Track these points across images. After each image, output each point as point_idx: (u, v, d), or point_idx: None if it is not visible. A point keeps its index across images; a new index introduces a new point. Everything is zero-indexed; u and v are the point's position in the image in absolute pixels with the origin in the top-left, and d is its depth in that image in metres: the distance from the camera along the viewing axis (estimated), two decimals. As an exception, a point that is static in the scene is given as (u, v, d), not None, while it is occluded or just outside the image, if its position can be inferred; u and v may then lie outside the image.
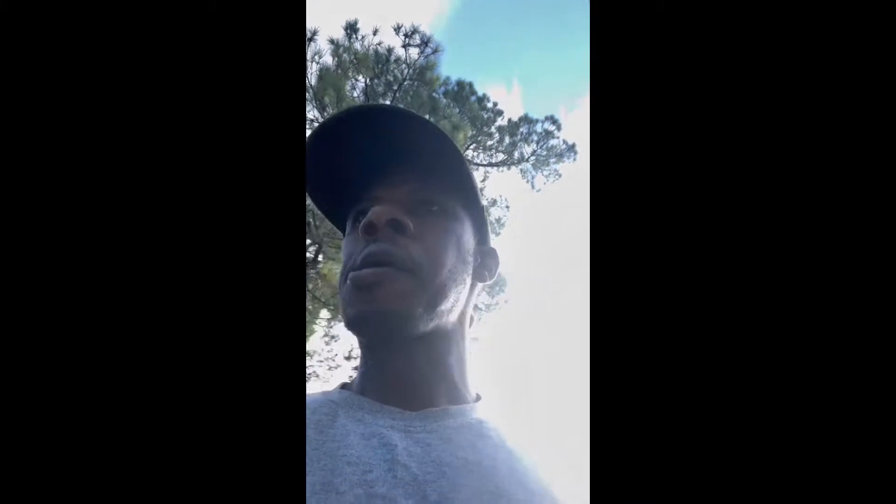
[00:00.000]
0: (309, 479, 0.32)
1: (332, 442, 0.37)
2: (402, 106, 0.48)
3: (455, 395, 0.46)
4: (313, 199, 0.50)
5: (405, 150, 0.46)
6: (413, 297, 0.41)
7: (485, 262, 0.52)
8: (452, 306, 0.45)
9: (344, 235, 0.50)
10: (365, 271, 0.41)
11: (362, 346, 0.47)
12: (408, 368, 0.44)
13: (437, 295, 0.43)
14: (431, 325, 0.43)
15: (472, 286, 0.50)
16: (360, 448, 0.36)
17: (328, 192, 0.49)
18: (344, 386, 0.49)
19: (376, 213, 0.42)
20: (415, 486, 0.34)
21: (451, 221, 0.46)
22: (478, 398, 0.48)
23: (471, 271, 0.49)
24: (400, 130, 0.45)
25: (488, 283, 0.53)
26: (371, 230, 0.42)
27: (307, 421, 0.39)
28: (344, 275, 0.44)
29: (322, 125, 0.45)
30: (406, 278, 0.42)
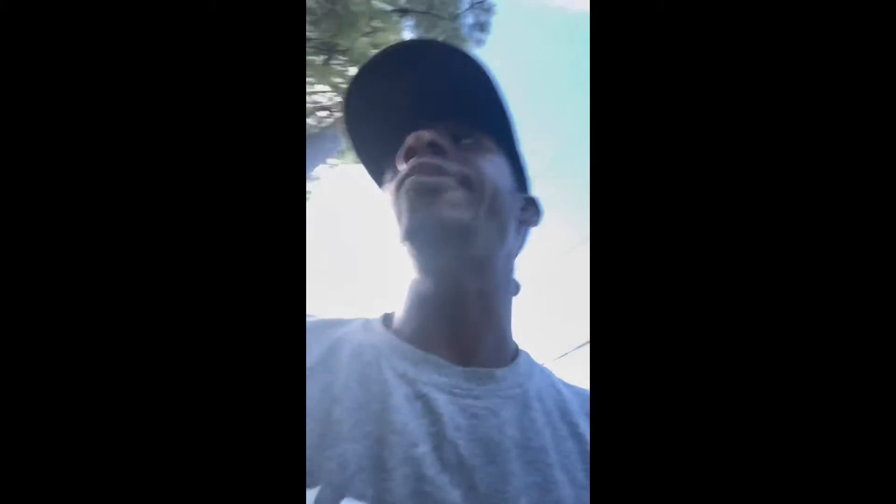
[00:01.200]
0: (352, 447, 0.30)
1: (378, 403, 0.34)
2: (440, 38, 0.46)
3: (501, 348, 0.43)
4: (357, 154, 0.48)
5: (441, 87, 0.44)
6: (471, 207, 0.40)
7: (528, 208, 0.50)
8: (501, 235, 0.43)
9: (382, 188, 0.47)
10: (424, 176, 0.39)
11: (415, 267, 0.43)
12: (458, 309, 0.41)
13: (491, 213, 0.41)
14: (482, 249, 0.41)
15: (518, 231, 0.48)
16: (405, 413, 0.34)
17: (369, 143, 0.47)
18: (386, 318, 0.46)
19: (414, 136, 0.41)
20: (462, 473, 0.31)
21: (490, 153, 0.45)
22: (517, 352, 0.45)
23: (516, 208, 0.47)
24: (436, 65, 0.43)
25: (534, 225, 0.51)
26: (411, 153, 0.41)
27: (347, 361, 0.37)
28: (395, 191, 0.41)
29: (356, 77, 0.43)
30: (463, 190, 0.40)
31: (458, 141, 0.44)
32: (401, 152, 0.41)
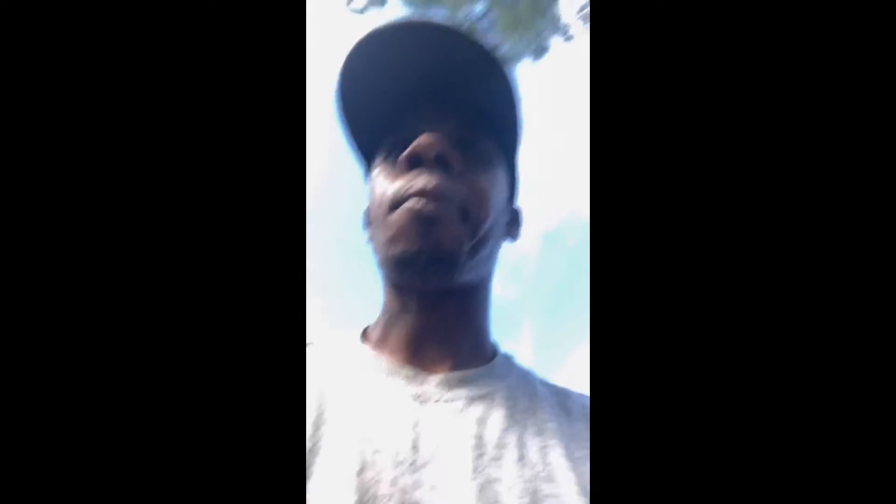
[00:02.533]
0: (346, 470, 0.30)
1: (359, 424, 0.34)
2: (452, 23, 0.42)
3: (477, 352, 0.43)
4: (342, 123, 0.45)
5: (454, 78, 0.41)
6: (463, 244, 0.39)
7: (513, 222, 0.49)
8: (487, 261, 0.43)
9: (368, 167, 0.45)
10: (429, 203, 0.37)
11: (394, 288, 0.42)
12: (435, 322, 0.41)
13: (479, 244, 0.40)
14: (467, 276, 0.40)
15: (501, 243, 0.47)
16: (386, 428, 0.33)
17: (360, 116, 0.44)
18: (364, 333, 0.45)
19: (423, 145, 0.38)
20: (428, 473, 0.31)
21: (491, 167, 0.43)
22: (494, 353, 0.45)
23: (503, 228, 0.46)
24: (448, 53, 0.40)
25: (517, 238, 0.50)
26: (416, 162, 0.38)
27: (326, 385, 0.36)
28: (389, 206, 0.39)
29: (359, 43, 0.40)
30: (459, 222, 0.38)
31: (462, 148, 0.41)
32: (405, 155, 0.39)
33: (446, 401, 0.37)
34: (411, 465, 0.31)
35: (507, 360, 0.44)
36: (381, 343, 0.42)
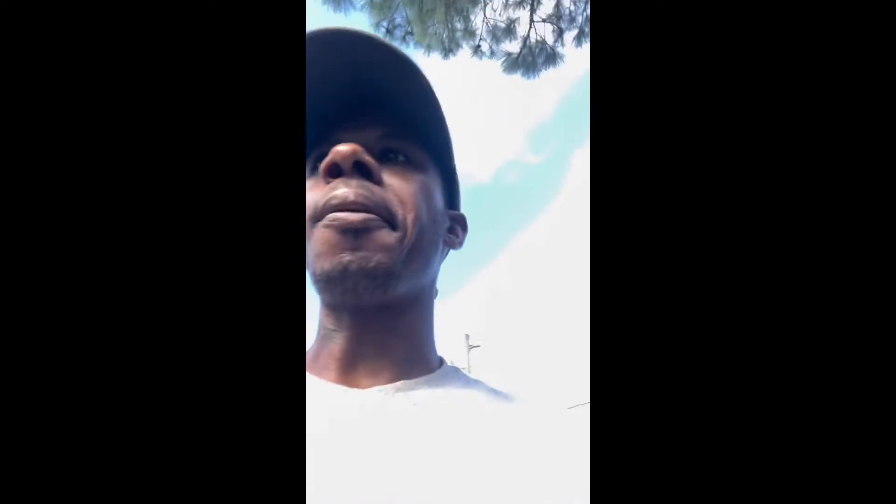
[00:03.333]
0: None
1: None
2: (374, 33, 0.40)
3: (418, 364, 0.41)
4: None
5: (375, 86, 0.39)
6: (395, 252, 0.37)
7: (454, 228, 0.47)
8: (424, 270, 0.41)
9: None
10: (351, 214, 0.35)
11: (326, 307, 0.41)
12: (370, 338, 0.39)
13: (413, 253, 0.38)
14: (403, 288, 0.38)
15: (443, 252, 0.45)
16: (326, 445, 0.32)
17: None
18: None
19: (340, 152, 0.36)
20: (368, 486, 0.30)
21: (420, 174, 0.41)
22: (441, 363, 0.43)
23: (442, 235, 0.44)
24: (370, 62, 0.38)
25: (458, 247, 0.47)
26: (334, 171, 0.37)
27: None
28: (312, 221, 0.38)
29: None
30: (388, 230, 0.37)
31: (386, 155, 0.40)
32: (324, 164, 0.37)
33: (387, 413, 0.35)
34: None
35: (451, 370, 0.43)
36: (312, 363, 0.40)
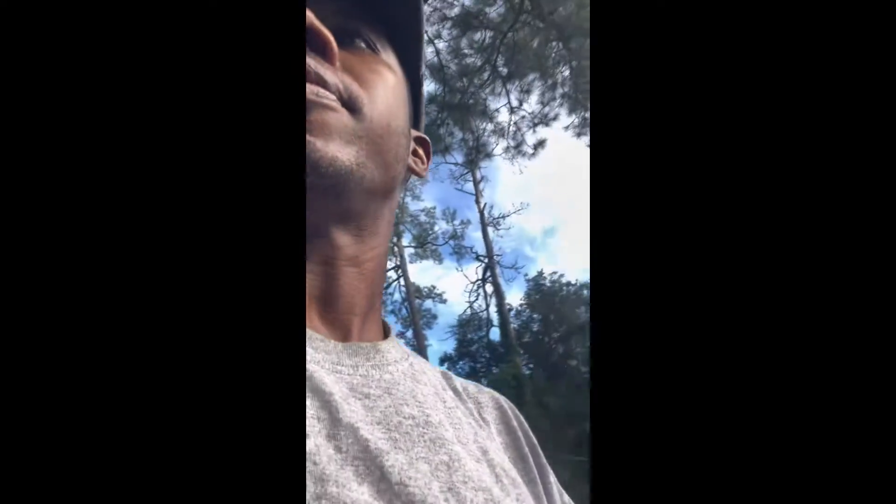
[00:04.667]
0: None
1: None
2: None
3: (378, 320, 0.36)
4: None
5: None
6: (351, 140, 0.29)
7: (417, 152, 0.40)
8: (388, 188, 0.33)
9: None
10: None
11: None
12: (330, 274, 0.32)
13: (376, 154, 0.31)
14: (363, 200, 0.31)
15: (404, 180, 0.38)
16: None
17: None
18: None
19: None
20: (367, 463, 0.26)
21: (385, 69, 0.34)
22: (386, 325, 0.38)
23: (408, 153, 0.36)
24: None
25: (422, 175, 0.40)
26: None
27: None
28: None
29: None
30: (344, 113, 0.29)
31: (342, 38, 0.32)
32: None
33: (364, 375, 0.30)
34: (343, 453, 0.26)
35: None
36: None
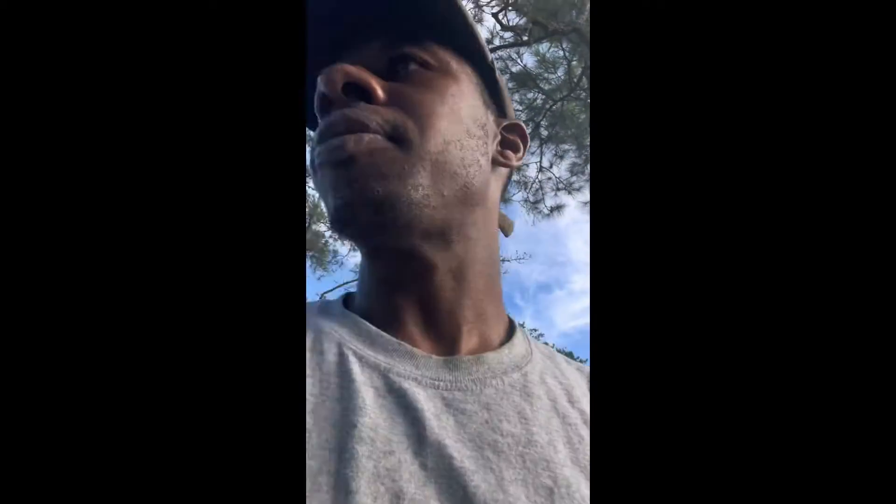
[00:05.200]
0: (309, 463, 0.24)
1: (338, 402, 0.27)
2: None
3: (489, 328, 0.34)
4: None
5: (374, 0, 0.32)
6: (406, 172, 0.29)
7: (507, 141, 0.38)
8: (467, 194, 0.32)
9: None
10: (333, 140, 0.29)
11: (363, 253, 0.34)
12: (425, 289, 0.32)
13: (440, 172, 0.30)
14: (441, 216, 0.31)
15: (495, 172, 0.37)
16: (374, 412, 0.26)
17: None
18: (348, 298, 0.36)
19: (326, 78, 0.30)
20: (450, 481, 0.25)
21: (441, 79, 0.33)
22: (511, 324, 0.37)
23: (486, 150, 0.35)
24: None
25: (515, 166, 0.39)
26: (325, 103, 0.30)
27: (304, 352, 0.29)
28: (312, 167, 0.32)
29: None
30: (390, 147, 0.30)
31: (394, 68, 0.32)
32: (316, 103, 0.31)
33: (463, 389, 0.29)
34: (426, 470, 0.25)
35: (525, 335, 0.37)
36: (369, 313, 0.34)
